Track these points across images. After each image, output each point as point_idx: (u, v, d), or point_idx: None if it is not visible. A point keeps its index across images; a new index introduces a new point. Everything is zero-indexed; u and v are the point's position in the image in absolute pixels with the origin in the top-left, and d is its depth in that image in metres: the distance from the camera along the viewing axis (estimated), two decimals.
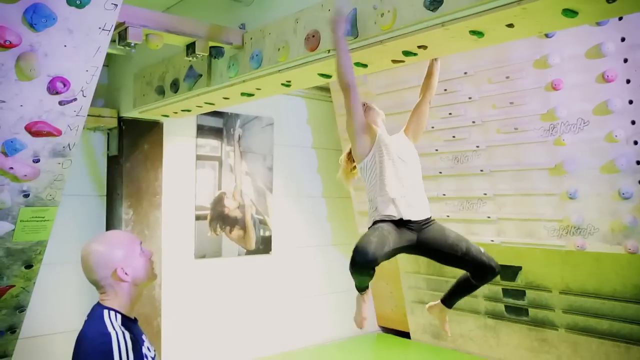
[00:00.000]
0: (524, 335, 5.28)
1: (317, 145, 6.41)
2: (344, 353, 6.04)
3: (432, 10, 2.27)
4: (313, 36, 2.83)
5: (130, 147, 4.74)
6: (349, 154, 3.13)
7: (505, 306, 5.35)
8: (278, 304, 5.89)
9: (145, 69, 4.34)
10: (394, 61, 2.84)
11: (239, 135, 5.65)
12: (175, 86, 3.89)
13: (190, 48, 3.20)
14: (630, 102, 3.82)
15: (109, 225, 4.79)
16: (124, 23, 2.89)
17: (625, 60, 3.81)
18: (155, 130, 4.86)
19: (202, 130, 5.37)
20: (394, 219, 2.73)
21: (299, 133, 6.27)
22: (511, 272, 5.23)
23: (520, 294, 5.23)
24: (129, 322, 1.83)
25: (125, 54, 4.44)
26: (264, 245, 5.81)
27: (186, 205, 5.23)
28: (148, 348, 1.86)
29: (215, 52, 3.28)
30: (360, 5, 2.61)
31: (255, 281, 5.73)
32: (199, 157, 5.35)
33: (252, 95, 3.71)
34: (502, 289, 5.35)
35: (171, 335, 4.97)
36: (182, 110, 4.31)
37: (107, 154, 4.88)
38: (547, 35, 4.03)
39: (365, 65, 2.92)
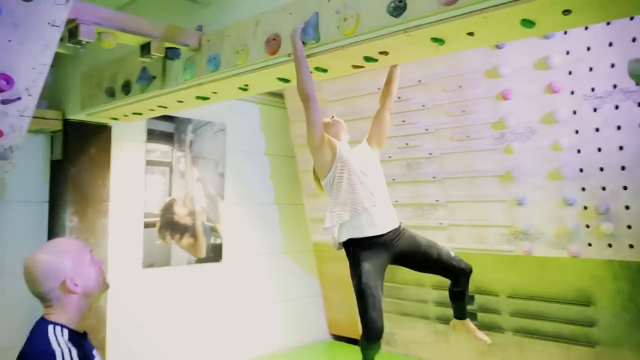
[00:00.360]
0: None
1: (269, 151, 6.36)
2: None
3: (395, 17, 2.29)
4: (274, 39, 2.80)
5: (77, 151, 4.54)
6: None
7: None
8: (229, 313, 5.77)
9: (93, 70, 4.19)
10: (354, 66, 2.85)
11: (191, 140, 5.53)
12: (127, 88, 3.77)
13: (145, 49, 3.10)
14: (574, 112, 4.00)
15: (52, 234, 4.56)
16: (75, 19, 2.77)
17: (570, 73, 3.99)
18: (103, 133, 4.68)
19: (152, 135, 5.22)
20: (367, 236, 2.77)
21: (251, 139, 6.20)
22: None
23: (469, 299, 5.33)
24: (77, 338, 1.68)
25: (73, 54, 4.26)
26: (215, 253, 5.69)
27: (135, 212, 5.06)
28: None
29: (171, 54, 3.20)
30: (323, 9, 2.61)
31: (206, 290, 5.60)
32: (148, 163, 5.19)
33: (208, 98, 3.64)
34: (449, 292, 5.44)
35: (117, 349, 4.77)
36: (133, 114, 4.18)
37: (51, 158, 4.66)
38: (497, 47, 4.16)
39: (325, 70, 2.92)
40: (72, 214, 4.45)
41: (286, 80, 3.13)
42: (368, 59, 2.68)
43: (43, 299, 1.68)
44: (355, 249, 2.78)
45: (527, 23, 2.13)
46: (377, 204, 2.80)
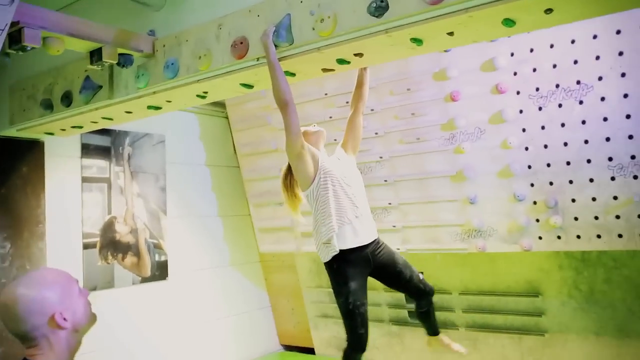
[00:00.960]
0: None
1: (210, 162, 6.15)
2: None
3: (376, 17, 2.25)
4: (241, 43, 2.68)
5: (6, 170, 4.15)
6: (285, 181, 3.05)
7: (409, 312, 5.50)
8: (178, 332, 5.50)
9: (24, 81, 3.84)
10: (324, 70, 2.78)
11: (129, 154, 5.22)
12: (67, 99, 3.48)
13: (96, 55, 2.87)
14: (521, 111, 4.16)
15: None
16: (18, 23, 2.50)
17: (515, 74, 4.15)
18: (35, 150, 4.31)
19: (87, 150, 4.88)
20: (351, 247, 2.81)
21: (191, 150, 5.97)
22: None
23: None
24: None
25: (0, 63, 3.89)
26: (160, 271, 5.40)
27: (72, 233, 4.69)
28: None
29: (124, 60, 2.97)
30: (295, 10, 2.52)
31: (153, 310, 5.29)
32: (85, 179, 4.84)
33: (160, 108, 3.44)
34: (405, 295, 5.49)
35: None
36: (73, 127, 3.87)
37: None
38: (445, 50, 4.25)
39: (293, 75, 2.83)
40: (4, 239, 4.06)
41: (249, 86, 3.01)
42: (341, 61, 2.62)
43: (26, 338, 1.49)
44: (340, 265, 2.78)
45: (509, 22, 2.16)
46: (360, 215, 2.81)
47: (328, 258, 2.82)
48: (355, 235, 2.80)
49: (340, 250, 2.78)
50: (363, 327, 2.83)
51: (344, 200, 2.80)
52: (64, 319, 1.49)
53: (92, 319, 1.64)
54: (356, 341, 2.81)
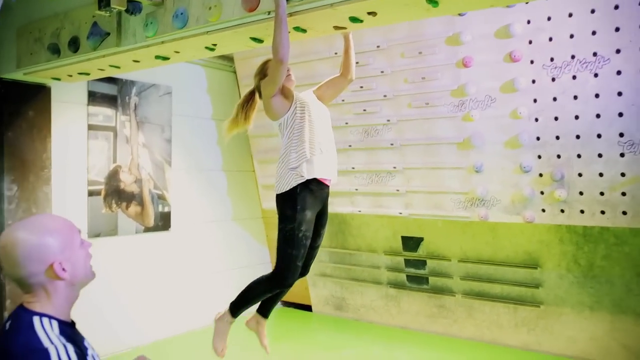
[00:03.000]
0: (424, 303, 5.54)
1: (216, 116, 6.11)
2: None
3: None
4: None
5: (12, 113, 4.13)
6: (246, 101, 3.09)
7: (407, 276, 5.56)
8: (178, 282, 5.59)
9: (32, 24, 3.78)
10: (336, 27, 2.72)
11: (135, 103, 5.19)
12: (74, 45, 3.43)
13: (104, 0, 2.81)
14: (533, 81, 4.09)
15: None
16: None
17: (530, 42, 4.05)
18: (41, 95, 4.28)
19: (94, 98, 4.85)
20: (316, 178, 2.87)
21: (198, 103, 5.93)
22: (413, 243, 5.44)
23: (421, 263, 5.46)
24: (69, 330, 1.45)
25: (5, 4, 3.82)
26: (163, 222, 5.45)
27: (78, 179, 4.72)
28: (93, 357, 1.49)
29: (132, 8, 2.92)
30: None
31: (155, 259, 5.37)
32: (91, 127, 4.83)
33: (168, 59, 3.38)
34: (404, 259, 5.55)
35: None
36: (79, 74, 3.83)
37: None
38: (460, 14, 4.15)
39: (304, 31, 2.77)
40: (11, 182, 4.08)
41: (259, 40, 2.95)
42: (354, 19, 2.56)
43: (23, 284, 1.43)
44: (302, 191, 2.82)
45: None
46: (327, 151, 2.90)
47: (292, 185, 2.83)
48: (323, 167, 2.87)
49: (307, 179, 2.81)
50: (301, 260, 2.85)
51: (318, 131, 2.87)
52: (63, 269, 1.43)
53: (91, 276, 1.56)
54: (287, 274, 2.82)
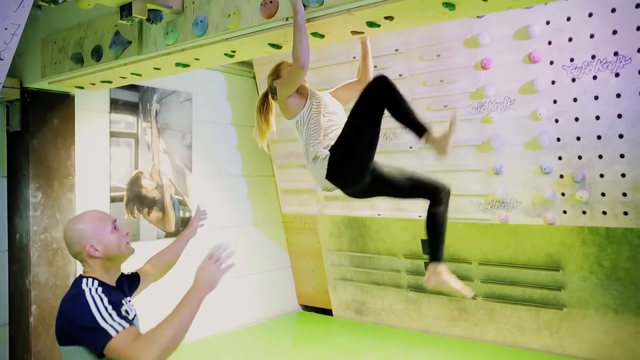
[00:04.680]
0: (444, 306, 5.51)
1: (236, 122, 6.17)
2: (270, 333, 5.95)
3: None
4: (270, 2, 2.65)
5: (37, 122, 4.23)
6: (262, 107, 3.06)
7: None
8: None
9: (56, 34, 3.88)
10: (353, 32, 2.74)
11: (156, 110, 5.27)
12: (97, 54, 3.51)
13: (126, 10, 2.87)
14: (553, 82, 4.06)
15: (13, 209, 4.27)
16: None
17: (550, 43, 4.02)
18: (65, 103, 4.38)
19: (116, 105, 4.94)
20: None
21: (218, 109, 6.00)
22: None
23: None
24: (107, 288, 1.93)
25: (32, 15, 3.91)
26: (184, 227, 5.49)
27: (100, 186, 4.81)
28: (127, 311, 1.94)
29: (153, 16, 2.97)
30: None
31: (176, 265, 5.42)
32: (113, 134, 4.92)
33: (188, 65, 3.43)
34: (424, 262, 5.51)
35: None
36: (102, 82, 3.91)
37: (7, 130, 4.32)
38: (478, 16, 4.13)
39: (322, 36, 2.80)
40: (36, 189, 4.17)
41: (278, 47, 2.98)
42: (371, 24, 2.57)
43: (77, 258, 2.00)
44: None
45: None
46: None
47: (324, 166, 2.75)
48: None
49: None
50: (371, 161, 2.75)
51: (335, 122, 2.83)
52: (96, 249, 1.93)
53: (127, 251, 2.04)
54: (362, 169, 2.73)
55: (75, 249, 1.96)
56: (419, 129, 2.68)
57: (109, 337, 1.73)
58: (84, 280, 1.91)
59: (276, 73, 3.01)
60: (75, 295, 1.86)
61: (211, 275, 1.95)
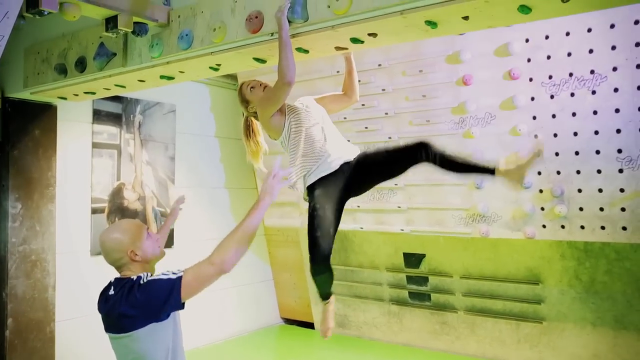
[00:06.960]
0: (426, 320, 5.54)
1: (219, 134, 6.18)
2: (252, 346, 5.92)
3: None
4: (256, 17, 2.68)
5: (18, 132, 4.20)
6: (247, 131, 3.08)
7: (409, 292, 5.57)
8: None
9: (39, 44, 3.86)
10: (337, 48, 2.78)
11: (139, 122, 5.26)
12: (81, 65, 3.50)
13: (111, 22, 2.88)
14: (532, 99, 4.15)
15: None
16: None
17: (529, 60, 4.12)
18: (47, 114, 4.35)
19: (99, 116, 4.92)
20: (328, 173, 2.78)
21: (201, 121, 6.00)
22: (415, 259, 5.45)
23: (423, 280, 5.47)
24: None
25: (15, 25, 3.89)
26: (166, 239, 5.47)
27: (82, 197, 4.76)
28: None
29: (139, 29, 2.98)
30: None
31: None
32: (95, 145, 4.89)
33: (173, 78, 3.44)
34: (406, 276, 5.56)
35: (66, 341, 4.51)
36: (85, 93, 3.90)
37: None
38: (460, 33, 4.22)
39: (306, 52, 2.83)
40: (15, 199, 4.13)
41: (262, 61, 3.01)
42: (355, 40, 2.62)
43: (114, 265, 2.17)
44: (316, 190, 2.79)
45: (525, 9, 2.15)
46: (334, 147, 2.84)
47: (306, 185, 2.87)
48: (328, 166, 2.79)
49: (320, 174, 2.80)
50: (323, 233, 2.80)
51: (312, 134, 2.81)
52: (136, 254, 2.14)
53: (160, 254, 2.27)
54: (313, 249, 2.83)
55: (115, 256, 2.14)
56: (486, 170, 2.72)
57: (179, 279, 2.03)
58: (131, 278, 2.09)
59: (245, 98, 2.98)
60: (135, 284, 2.03)
61: (270, 186, 2.24)
